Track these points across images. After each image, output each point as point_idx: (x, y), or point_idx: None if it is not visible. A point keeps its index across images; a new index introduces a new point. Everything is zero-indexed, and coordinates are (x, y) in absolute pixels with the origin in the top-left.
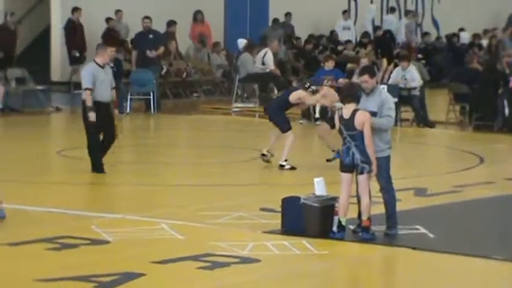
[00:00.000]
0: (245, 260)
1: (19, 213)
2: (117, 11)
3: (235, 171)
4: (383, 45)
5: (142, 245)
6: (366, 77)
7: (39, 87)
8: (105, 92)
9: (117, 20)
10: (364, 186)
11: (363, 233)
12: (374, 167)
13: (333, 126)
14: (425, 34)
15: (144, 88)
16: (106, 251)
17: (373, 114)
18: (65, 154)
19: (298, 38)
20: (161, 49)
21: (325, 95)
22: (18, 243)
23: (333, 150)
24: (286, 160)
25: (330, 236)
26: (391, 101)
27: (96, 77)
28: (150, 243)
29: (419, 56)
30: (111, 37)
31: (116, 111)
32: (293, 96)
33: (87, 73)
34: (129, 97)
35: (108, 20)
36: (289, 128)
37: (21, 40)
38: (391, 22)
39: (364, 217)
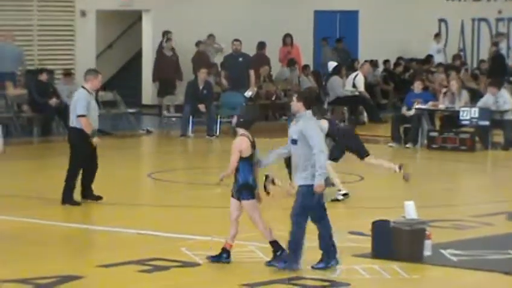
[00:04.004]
0: (336, 284)
1: (111, 235)
2: (209, 36)
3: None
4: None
5: (233, 267)
6: (293, 97)
7: (130, 110)
8: (95, 120)
9: (209, 43)
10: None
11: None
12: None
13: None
14: None
15: (234, 111)
16: (197, 273)
17: (294, 141)
18: (155, 177)
19: (387, 61)
20: (252, 74)
21: None
22: (110, 264)
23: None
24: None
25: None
26: (311, 128)
27: (89, 104)
28: (240, 265)
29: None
30: (201, 60)
31: None
32: None
33: (82, 99)
34: (218, 120)
35: (198, 43)
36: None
37: (114, 64)
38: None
39: None
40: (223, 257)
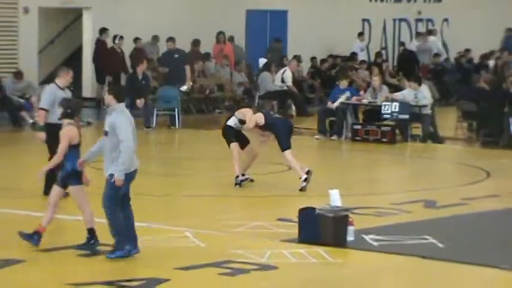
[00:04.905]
0: (264, 267)
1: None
2: (154, 36)
3: (254, 183)
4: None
5: (167, 252)
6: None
7: None
8: None
9: (152, 43)
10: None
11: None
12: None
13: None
14: (435, 55)
15: (169, 104)
16: (133, 257)
17: (105, 133)
18: (93, 166)
19: (314, 58)
20: (188, 70)
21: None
22: (50, 249)
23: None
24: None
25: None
26: (120, 122)
27: (56, 99)
28: (174, 250)
29: (429, 75)
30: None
31: None
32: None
33: (46, 93)
34: (155, 112)
35: (136, 40)
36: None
37: (55, 58)
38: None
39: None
40: (34, 238)
